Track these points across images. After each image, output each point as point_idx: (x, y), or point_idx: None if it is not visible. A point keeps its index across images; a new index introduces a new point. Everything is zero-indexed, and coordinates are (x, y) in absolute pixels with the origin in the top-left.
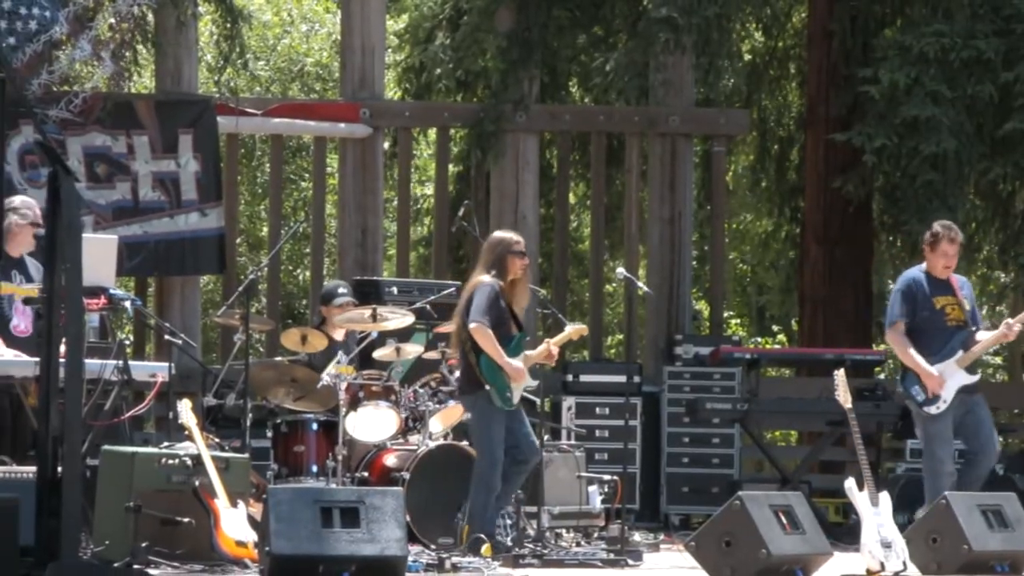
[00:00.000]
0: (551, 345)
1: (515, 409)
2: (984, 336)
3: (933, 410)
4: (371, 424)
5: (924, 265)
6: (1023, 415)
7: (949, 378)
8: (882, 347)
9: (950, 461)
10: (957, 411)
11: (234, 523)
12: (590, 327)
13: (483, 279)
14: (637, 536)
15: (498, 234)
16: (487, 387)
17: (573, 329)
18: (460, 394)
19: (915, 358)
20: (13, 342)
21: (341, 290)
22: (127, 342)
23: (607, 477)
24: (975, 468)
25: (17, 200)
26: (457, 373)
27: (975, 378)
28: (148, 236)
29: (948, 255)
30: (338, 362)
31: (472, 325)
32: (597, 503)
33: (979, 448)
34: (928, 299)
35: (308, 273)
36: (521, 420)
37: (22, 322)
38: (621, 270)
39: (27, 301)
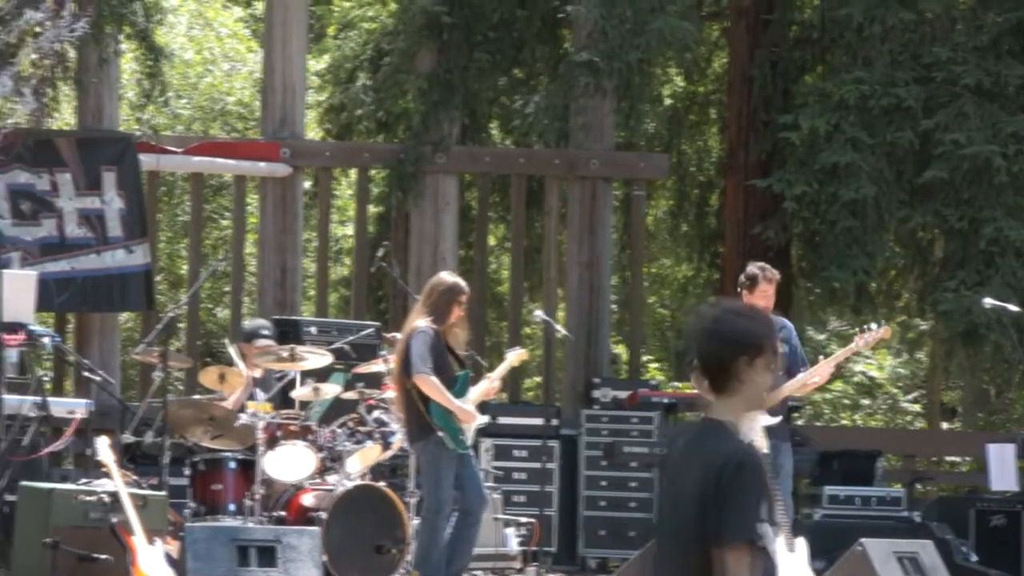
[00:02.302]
0: (492, 380)
1: (467, 453)
2: (795, 379)
3: None
4: (289, 463)
5: None
6: (940, 463)
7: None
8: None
9: None
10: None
11: (151, 560)
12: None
13: (418, 324)
14: None
15: (448, 279)
16: (439, 432)
17: (514, 356)
18: (411, 440)
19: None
20: None
21: (263, 331)
22: (46, 378)
23: (524, 519)
24: None
25: None
26: (375, 413)
27: (775, 420)
28: (76, 272)
29: (767, 295)
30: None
31: (416, 376)
32: (514, 545)
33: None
34: None
35: (228, 311)
36: (471, 466)
37: None
38: (539, 313)
39: None
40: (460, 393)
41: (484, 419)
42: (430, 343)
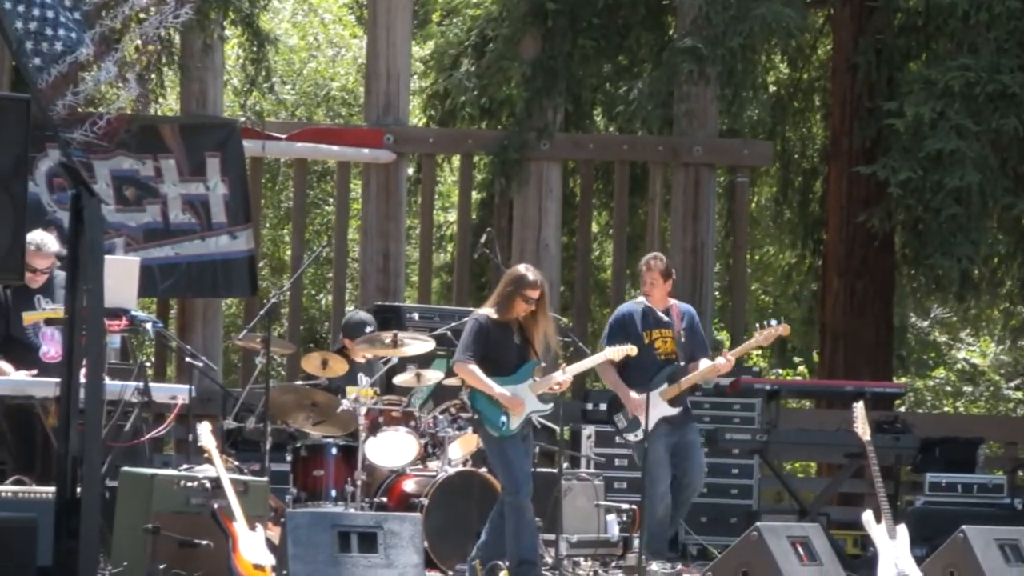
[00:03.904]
0: (566, 371)
1: (523, 439)
2: (699, 368)
3: (631, 437)
4: (390, 449)
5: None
6: None
7: (651, 408)
8: (903, 380)
9: (664, 483)
10: (669, 438)
11: (252, 546)
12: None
13: (477, 312)
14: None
15: (519, 271)
16: (474, 416)
17: (613, 351)
18: (472, 427)
19: (619, 384)
20: (44, 369)
21: (368, 329)
22: (148, 364)
23: (625, 506)
24: (681, 492)
25: (35, 238)
26: None
27: (676, 411)
28: (180, 258)
29: (646, 283)
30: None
31: (454, 364)
32: (615, 532)
33: (684, 473)
34: (638, 334)
35: (330, 298)
36: (526, 452)
37: (51, 348)
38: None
39: (49, 322)
40: (518, 380)
41: (544, 407)
42: (476, 331)
